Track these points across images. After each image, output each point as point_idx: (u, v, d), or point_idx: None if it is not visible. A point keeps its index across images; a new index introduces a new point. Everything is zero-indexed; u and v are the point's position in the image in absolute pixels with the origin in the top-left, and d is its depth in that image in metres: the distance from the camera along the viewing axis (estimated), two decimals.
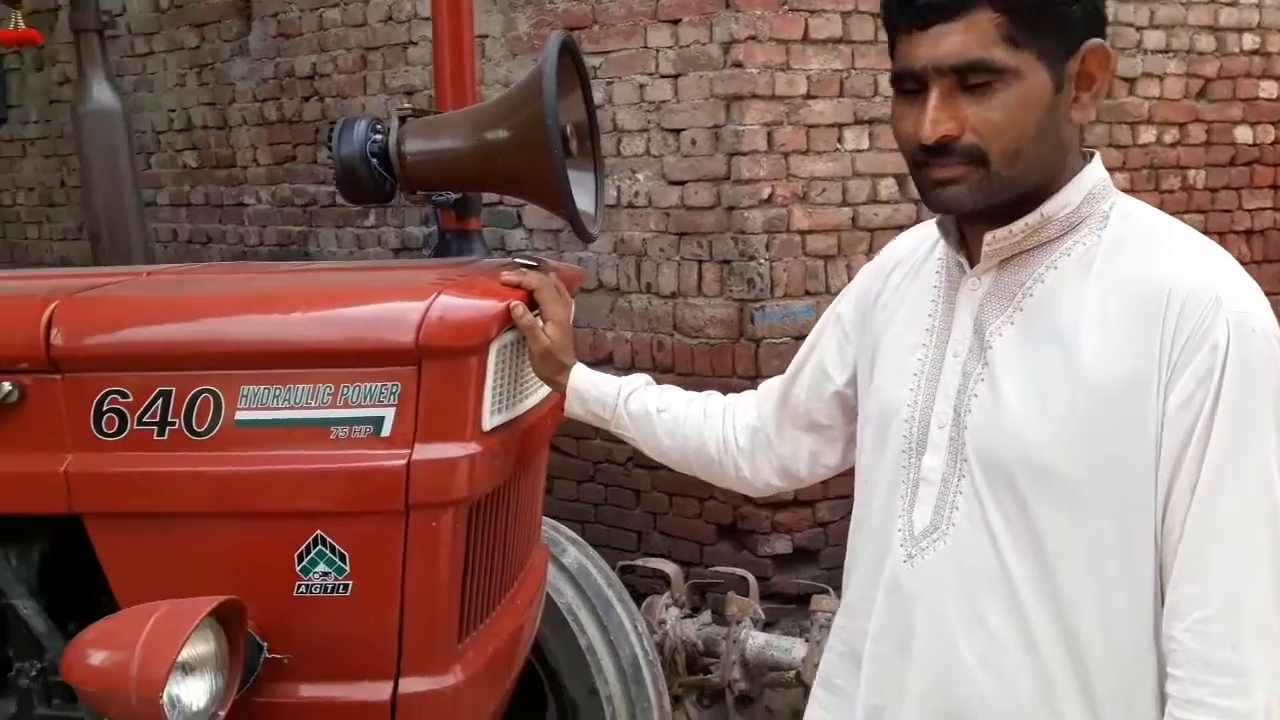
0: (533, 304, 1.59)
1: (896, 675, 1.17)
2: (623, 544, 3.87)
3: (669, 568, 3.43)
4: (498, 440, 1.56)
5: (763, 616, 3.26)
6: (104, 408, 1.51)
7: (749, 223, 3.44)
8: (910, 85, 1.07)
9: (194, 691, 1.34)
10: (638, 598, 3.44)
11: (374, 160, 1.65)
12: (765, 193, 3.44)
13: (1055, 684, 1.08)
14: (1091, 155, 1.16)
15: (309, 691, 1.52)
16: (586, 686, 2.30)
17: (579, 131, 1.71)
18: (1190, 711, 1.01)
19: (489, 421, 1.53)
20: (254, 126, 4.76)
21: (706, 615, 3.38)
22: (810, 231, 3.50)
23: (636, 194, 3.66)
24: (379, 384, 1.47)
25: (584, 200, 1.75)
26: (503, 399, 1.58)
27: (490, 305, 1.50)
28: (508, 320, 1.52)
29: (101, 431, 1.52)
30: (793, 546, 3.58)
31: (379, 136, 1.66)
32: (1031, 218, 1.09)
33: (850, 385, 1.31)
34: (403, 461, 1.46)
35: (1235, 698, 1.00)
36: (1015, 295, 1.12)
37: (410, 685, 1.52)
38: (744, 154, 3.42)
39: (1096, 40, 1.08)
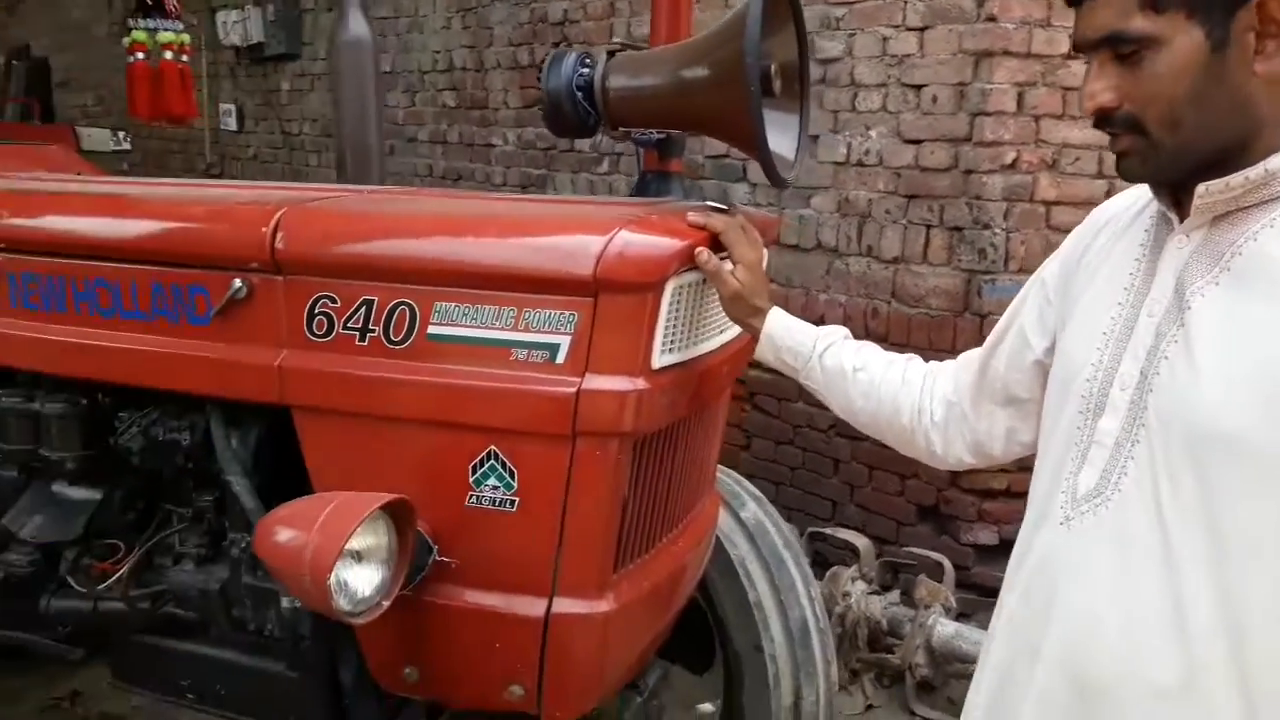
0: (720, 247, 1.58)
1: (1033, 637, 1.15)
2: (816, 511, 3.81)
3: (860, 541, 3.34)
4: (667, 379, 1.55)
5: (954, 605, 3.11)
6: (315, 310, 1.64)
7: (987, 188, 3.23)
8: (1085, 60, 1.08)
9: (361, 579, 1.44)
10: (824, 566, 3.38)
11: (579, 94, 1.67)
12: (1009, 157, 3.22)
13: (1205, 672, 1.01)
14: None
15: (470, 598, 1.60)
16: (752, 641, 2.29)
17: (785, 72, 1.65)
18: None
19: (659, 360, 1.53)
20: (506, 70, 4.98)
21: (894, 595, 3.28)
22: (1056, 203, 3.24)
23: (867, 152, 3.52)
24: (557, 312, 1.50)
25: (784, 144, 1.69)
26: (676, 339, 1.57)
27: (668, 243, 1.49)
28: (687, 260, 1.51)
29: (312, 332, 1.65)
30: (999, 538, 3.38)
31: (586, 71, 1.68)
32: (1253, 171, 1.02)
33: (1049, 354, 1.25)
34: (573, 390, 1.49)
35: None
36: (1224, 254, 1.05)
37: (563, 606, 1.56)
38: (989, 114, 3.20)
39: None
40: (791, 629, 2.31)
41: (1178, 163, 1.05)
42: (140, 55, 2.99)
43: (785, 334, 1.54)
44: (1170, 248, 1.10)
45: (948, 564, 3.23)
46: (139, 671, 2.10)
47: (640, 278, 1.46)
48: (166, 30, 2.99)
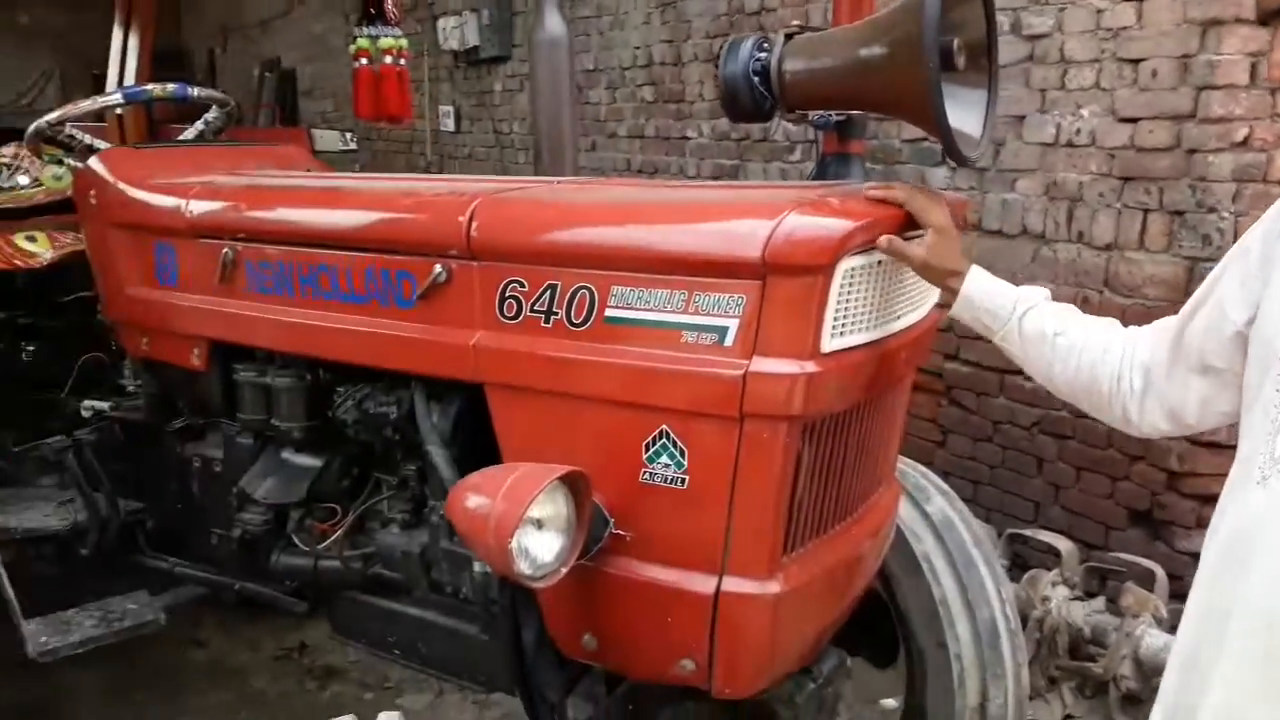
0: (908, 226, 1.57)
1: (1230, 591, 1.19)
2: (1016, 512, 3.63)
3: (1063, 544, 3.17)
4: (838, 363, 1.55)
5: (1165, 616, 2.90)
6: (506, 294, 1.74)
7: (1214, 169, 2.97)
8: None
9: (542, 545, 1.52)
10: (1023, 569, 3.23)
11: (755, 79, 1.69)
12: (1240, 134, 2.94)
13: None
14: None
15: (643, 571, 1.66)
16: (936, 639, 2.23)
17: (971, 48, 1.60)
18: None
19: (829, 343, 1.52)
20: (703, 62, 5.03)
21: (1099, 602, 3.08)
22: None
23: (1078, 131, 3.32)
24: (727, 295, 1.53)
25: (970, 121, 1.65)
26: (849, 322, 1.56)
27: (839, 225, 1.48)
28: (859, 242, 1.50)
29: (503, 314, 1.76)
30: None
31: (763, 55, 1.70)
32: None
33: (1249, 326, 1.24)
34: (740, 372, 1.51)
35: None
36: None
37: (733, 584, 1.59)
38: (1217, 88, 2.94)
39: None
40: (980, 629, 2.24)
41: None
42: (364, 61, 3.26)
43: (984, 295, 1.54)
44: None
45: (1160, 572, 3.01)
46: (353, 626, 2.31)
47: (809, 260, 1.47)
48: (387, 36, 3.24)
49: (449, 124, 7.50)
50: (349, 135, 3.42)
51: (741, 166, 4.81)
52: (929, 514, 2.32)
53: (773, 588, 1.59)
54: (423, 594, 2.12)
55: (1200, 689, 1.22)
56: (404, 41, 3.30)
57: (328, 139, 3.45)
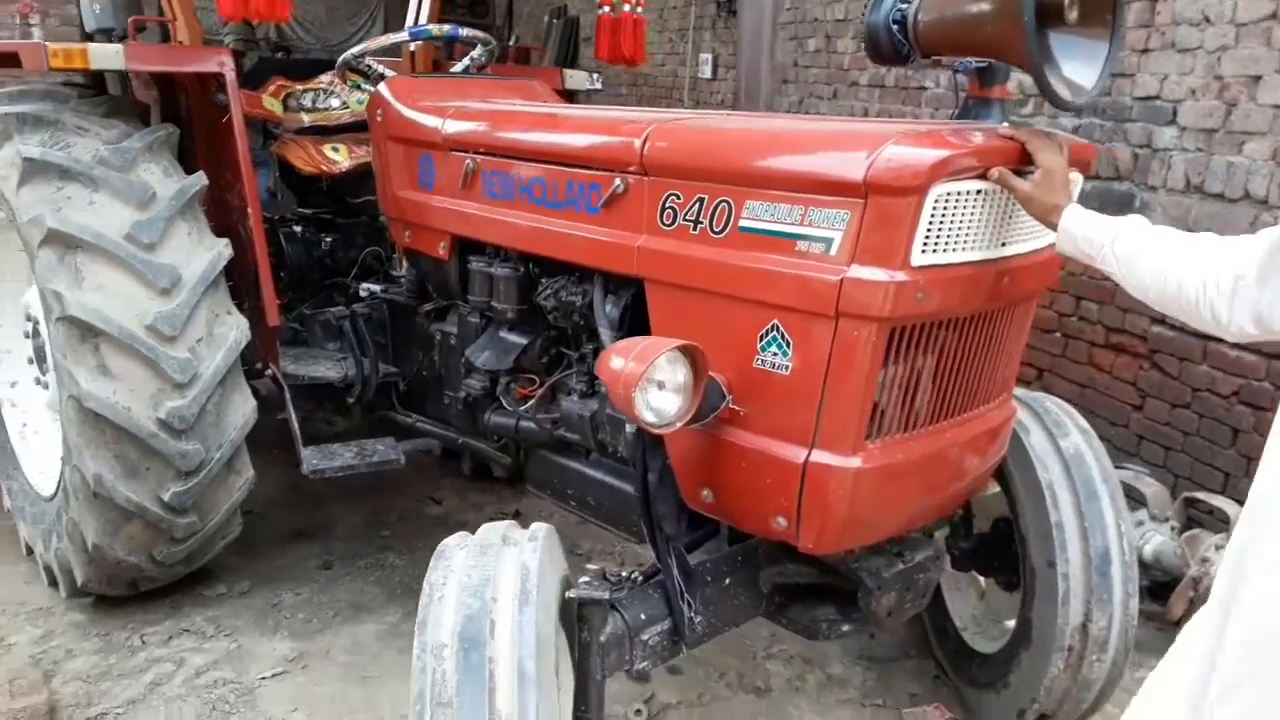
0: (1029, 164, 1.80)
1: (1259, 539, 1.27)
2: (1206, 481, 3.57)
3: (1233, 509, 3.13)
4: (927, 277, 1.79)
5: None
6: (666, 205, 2.11)
7: None
8: None
9: (662, 399, 1.89)
10: (1185, 528, 3.23)
11: (895, 26, 1.93)
12: None
13: None
14: None
15: (751, 440, 1.99)
16: (1046, 558, 2.40)
17: (1093, 2, 1.77)
18: None
19: (919, 258, 1.77)
20: None
21: None
22: None
23: None
24: (834, 211, 1.81)
25: (1085, 71, 1.81)
26: (943, 241, 1.79)
27: (931, 154, 1.72)
28: (950, 171, 1.73)
29: (662, 222, 2.13)
30: None
31: (904, 5, 1.93)
32: None
33: None
34: (838, 278, 1.80)
35: None
36: None
37: (820, 456, 1.90)
38: None
39: None
40: (1091, 555, 2.39)
41: None
42: (607, 9, 3.69)
43: (1081, 226, 1.74)
44: None
45: None
46: (543, 480, 2.81)
47: (902, 183, 1.72)
48: None
49: (706, 71, 7.86)
50: (595, 76, 3.87)
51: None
52: (1062, 447, 2.48)
53: (854, 462, 1.88)
54: (594, 454, 2.57)
55: (1233, 595, 1.30)
56: None
57: (577, 78, 3.91)
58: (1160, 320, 3.77)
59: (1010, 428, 2.27)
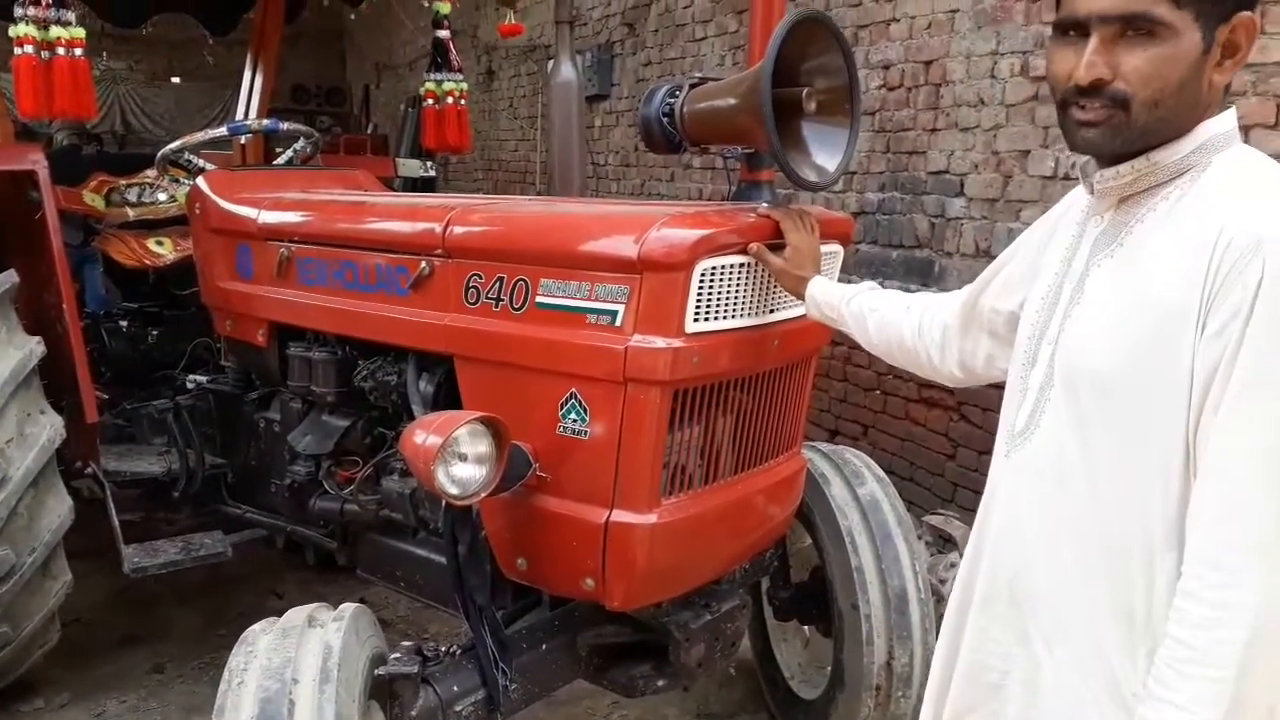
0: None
1: (979, 544, 1.43)
2: None
3: (957, 530, 3.39)
4: (700, 342, 1.94)
5: None
6: (469, 284, 2.21)
7: None
8: (1072, 32, 1.21)
9: (465, 471, 1.95)
10: None
11: (665, 119, 2.11)
12: None
13: (1091, 569, 1.25)
14: (1226, 108, 1.23)
15: (555, 505, 2.08)
16: (850, 601, 2.56)
17: (832, 93, 1.99)
18: (1184, 599, 1.14)
19: (691, 326, 1.92)
20: None
21: None
22: None
23: (1073, 165, 3.56)
24: (617, 286, 1.95)
25: (827, 156, 2.02)
26: (713, 310, 1.94)
27: (695, 233, 1.88)
28: (712, 248, 1.90)
29: (467, 300, 2.22)
30: None
31: (673, 100, 2.12)
32: (1138, 162, 1.22)
33: (1022, 308, 1.45)
34: (624, 346, 1.93)
35: (1222, 592, 1.11)
36: (1120, 232, 1.27)
37: (619, 515, 2.00)
38: None
39: (1248, 13, 1.18)
40: (891, 596, 2.55)
41: (1139, 141, 1.20)
42: (431, 101, 3.84)
43: (822, 294, 1.92)
44: (1090, 226, 1.32)
45: None
46: (373, 564, 2.80)
47: (670, 259, 1.88)
48: (449, 81, 3.81)
49: None
50: (429, 164, 4.00)
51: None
52: (859, 495, 2.66)
53: (650, 519, 1.99)
54: (418, 533, 2.60)
55: (958, 628, 1.46)
56: (463, 85, 3.85)
57: (410, 166, 4.03)
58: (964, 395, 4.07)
59: (802, 478, 2.43)
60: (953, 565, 3.35)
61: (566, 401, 2.04)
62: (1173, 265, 1.17)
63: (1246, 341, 1.09)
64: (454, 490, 1.95)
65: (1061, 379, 1.28)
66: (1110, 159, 1.24)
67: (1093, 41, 1.17)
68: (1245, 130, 3.11)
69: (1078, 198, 1.39)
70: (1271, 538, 1.10)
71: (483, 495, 1.98)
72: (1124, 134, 1.19)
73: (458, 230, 2.23)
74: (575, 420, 2.04)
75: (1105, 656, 1.24)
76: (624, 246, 1.92)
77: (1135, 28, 1.15)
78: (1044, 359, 1.31)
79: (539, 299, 2.08)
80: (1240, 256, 1.10)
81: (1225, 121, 1.22)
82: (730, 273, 1.97)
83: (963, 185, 4.09)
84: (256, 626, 1.91)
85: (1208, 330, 1.12)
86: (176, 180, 3.53)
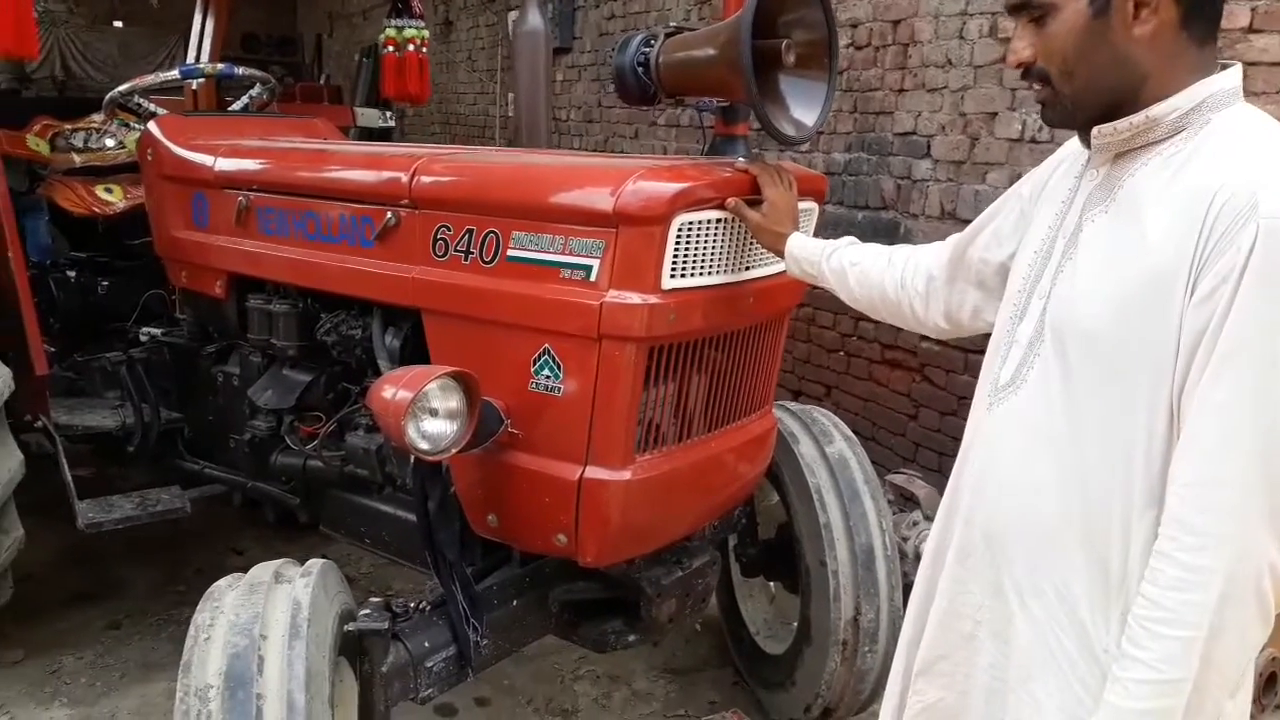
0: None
1: (958, 498, 1.42)
2: None
3: (920, 489, 3.47)
4: (678, 298, 1.91)
5: None
6: (437, 236, 2.16)
7: None
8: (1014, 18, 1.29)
9: (436, 426, 1.92)
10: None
11: (640, 69, 2.06)
12: None
13: (1070, 524, 1.26)
14: (1228, 67, 1.23)
15: (527, 462, 2.05)
16: (818, 557, 2.57)
17: (811, 46, 1.95)
18: (1158, 560, 1.15)
19: (668, 282, 1.89)
20: None
21: None
22: None
23: (1040, 128, 3.56)
24: (591, 240, 1.91)
25: (804, 110, 1.99)
26: (689, 266, 1.92)
27: (671, 186, 1.85)
28: (692, 201, 1.86)
29: (435, 253, 2.17)
30: None
31: (648, 49, 2.07)
32: (1136, 117, 1.23)
33: (1012, 259, 1.45)
34: (599, 302, 1.89)
35: (1196, 555, 1.12)
36: (1114, 188, 1.26)
37: (593, 472, 1.98)
38: None
39: None
40: (857, 552, 2.57)
41: (1077, 109, 1.25)
42: (391, 49, 3.73)
43: (801, 250, 1.89)
44: (1085, 181, 1.32)
45: None
46: (337, 520, 2.76)
47: (647, 213, 1.84)
48: (410, 28, 3.70)
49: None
50: (388, 114, 3.89)
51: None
52: (828, 454, 2.67)
53: (624, 475, 1.97)
54: (384, 489, 2.57)
55: (933, 578, 1.47)
56: (425, 32, 3.75)
57: (369, 116, 3.92)
58: (925, 337, 4.10)
59: (773, 437, 2.43)
60: (915, 524, 3.40)
61: (539, 358, 2.01)
62: (1166, 224, 1.17)
63: (1235, 307, 1.10)
64: (424, 446, 1.91)
65: (1051, 334, 1.28)
66: (1084, 125, 1.27)
67: (1016, 29, 1.27)
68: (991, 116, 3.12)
69: (1073, 151, 1.39)
70: (1247, 503, 1.11)
71: (454, 451, 1.95)
72: (1059, 108, 1.26)
73: (425, 180, 2.17)
74: (548, 376, 2.00)
75: (1078, 612, 1.25)
76: (599, 199, 1.88)
77: (1031, 11, 1.24)
78: (1034, 313, 1.32)
79: (510, 252, 2.04)
80: (1235, 218, 1.10)
81: (1226, 80, 1.22)
82: (707, 228, 1.94)
83: (929, 146, 4.08)
84: (222, 582, 1.87)
85: (1198, 293, 1.12)
86: (126, 125, 3.40)
